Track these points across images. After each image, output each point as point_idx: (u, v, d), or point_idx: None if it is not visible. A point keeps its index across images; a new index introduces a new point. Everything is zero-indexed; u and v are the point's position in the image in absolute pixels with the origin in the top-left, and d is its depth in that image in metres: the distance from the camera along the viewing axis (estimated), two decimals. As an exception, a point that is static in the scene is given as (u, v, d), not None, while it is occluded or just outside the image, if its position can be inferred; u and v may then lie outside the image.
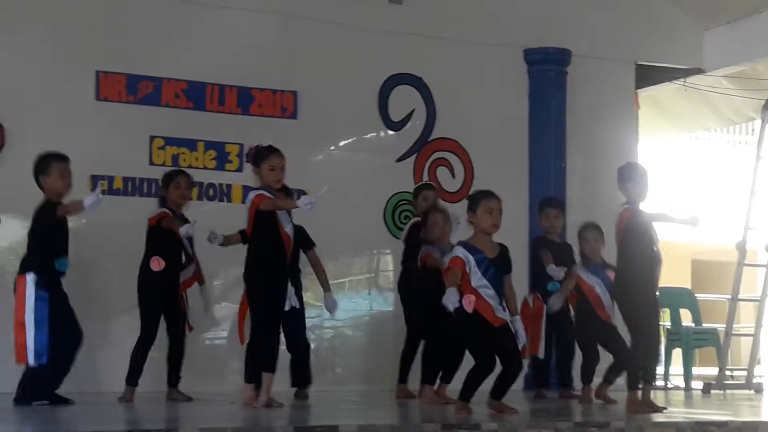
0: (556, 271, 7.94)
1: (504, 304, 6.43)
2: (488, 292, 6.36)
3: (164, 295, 7.47)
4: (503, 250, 6.51)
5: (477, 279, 6.36)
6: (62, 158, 7.04)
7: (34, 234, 6.97)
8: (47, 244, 6.91)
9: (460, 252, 6.44)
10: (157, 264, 7.43)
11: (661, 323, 7.60)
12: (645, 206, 6.86)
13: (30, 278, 6.79)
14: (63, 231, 6.99)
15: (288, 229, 6.70)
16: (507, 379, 6.40)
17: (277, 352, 6.73)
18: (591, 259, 7.71)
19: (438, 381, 7.53)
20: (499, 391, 6.41)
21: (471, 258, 6.38)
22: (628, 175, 6.87)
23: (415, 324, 7.88)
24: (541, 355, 8.08)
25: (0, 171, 8.33)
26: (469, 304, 6.31)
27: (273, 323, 6.69)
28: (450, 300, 6.30)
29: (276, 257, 6.67)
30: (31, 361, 6.70)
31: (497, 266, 6.43)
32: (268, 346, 6.65)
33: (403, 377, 8.03)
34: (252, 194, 6.75)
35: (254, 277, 6.68)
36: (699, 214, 6.89)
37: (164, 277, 7.44)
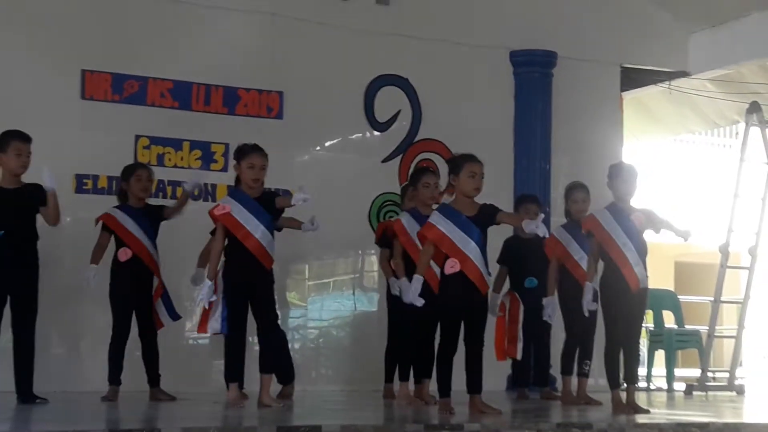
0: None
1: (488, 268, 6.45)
2: (475, 253, 6.34)
3: (134, 287, 7.44)
4: (483, 207, 6.46)
5: (460, 239, 6.34)
6: (22, 138, 7.01)
7: None
8: None
9: (435, 218, 6.43)
10: (123, 254, 7.44)
11: (643, 324, 7.62)
12: (636, 204, 6.95)
13: None
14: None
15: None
16: (473, 364, 6.35)
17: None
18: (575, 219, 7.65)
19: (407, 378, 7.52)
20: (474, 384, 6.37)
21: (448, 221, 6.37)
22: (616, 172, 6.95)
23: (393, 321, 7.87)
24: (518, 356, 8.09)
25: (-16, 169, 8.31)
26: (452, 267, 6.30)
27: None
28: (411, 292, 6.30)
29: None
30: None
31: (479, 224, 6.40)
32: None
33: (389, 377, 8.03)
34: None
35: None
36: (691, 229, 6.95)
37: (132, 268, 7.43)
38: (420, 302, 6.40)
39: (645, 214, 6.87)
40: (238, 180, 6.88)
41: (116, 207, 7.60)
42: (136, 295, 7.48)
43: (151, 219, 7.59)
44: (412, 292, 6.40)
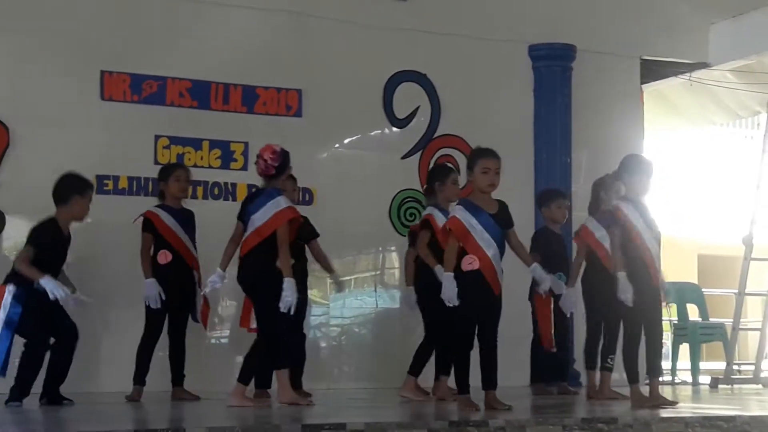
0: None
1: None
2: (492, 252, 6.31)
3: (171, 289, 7.45)
4: (502, 206, 6.47)
5: (480, 237, 6.31)
6: (89, 186, 7.15)
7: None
8: (38, 261, 6.85)
9: (459, 212, 6.38)
10: (163, 257, 7.45)
11: (664, 317, 7.58)
12: (648, 201, 6.88)
13: (9, 289, 6.80)
14: (58, 252, 6.97)
15: None
16: (488, 361, 6.33)
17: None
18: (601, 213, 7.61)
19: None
20: (488, 381, 6.34)
21: (471, 217, 6.34)
22: (635, 167, 6.85)
23: (431, 320, 7.81)
24: (553, 349, 8.04)
25: (5, 171, 8.34)
26: (470, 264, 6.26)
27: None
28: (448, 294, 6.23)
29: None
30: None
31: (499, 222, 6.39)
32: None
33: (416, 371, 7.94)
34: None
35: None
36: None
37: (172, 270, 7.44)
38: (456, 302, 6.27)
39: None
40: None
41: (157, 207, 7.63)
42: (173, 298, 7.49)
43: (189, 220, 7.66)
44: (448, 292, 6.25)
